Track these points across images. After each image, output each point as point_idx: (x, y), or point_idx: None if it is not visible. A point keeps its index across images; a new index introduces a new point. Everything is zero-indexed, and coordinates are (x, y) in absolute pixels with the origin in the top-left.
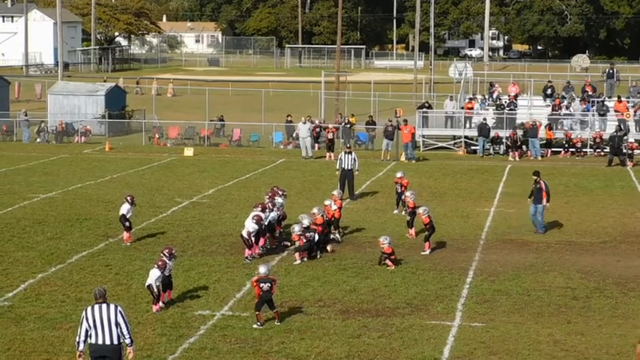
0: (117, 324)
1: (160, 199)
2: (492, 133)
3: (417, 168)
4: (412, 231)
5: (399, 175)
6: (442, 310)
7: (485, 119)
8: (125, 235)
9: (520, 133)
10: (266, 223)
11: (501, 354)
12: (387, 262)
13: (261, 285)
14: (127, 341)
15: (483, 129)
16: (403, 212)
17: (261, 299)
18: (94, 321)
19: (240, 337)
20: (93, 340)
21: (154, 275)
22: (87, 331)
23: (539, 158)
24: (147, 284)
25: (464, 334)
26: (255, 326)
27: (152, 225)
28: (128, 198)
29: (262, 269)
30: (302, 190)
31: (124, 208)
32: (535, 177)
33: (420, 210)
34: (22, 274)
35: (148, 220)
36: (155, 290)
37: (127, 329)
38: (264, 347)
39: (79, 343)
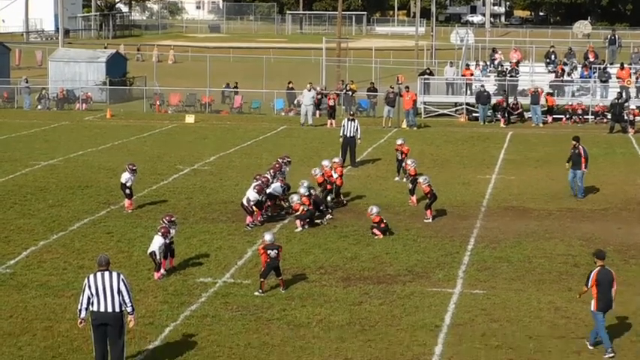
0: (119, 291)
1: (161, 166)
2: (494, 100)
3: (419, 135)
4: (414, 198)
5: (399, 142)
6: (443, 278)
7: (483, 86)
8: (126, 202)
9: (511, 99)
10: (268, 191)
11: (502, 321)
12: (375, 231)
13: (269, 252)
14: (129, 309)
15: (481, 96)
16: (404, 179)
17: (268, 266)
18: (97, 288)
19: (242, 304)
20: (95, 308)
21: (157, 242)
22: (89, 298)
23: (541, 125)
24: (149, 251)
25: (465, 302)
26: (256, 293)
27: (153, 192)
28: (129, 166)
29: (268, 237)
30: (303, 157)
31: (124, 177)
32: (574, 142)
33: (421, 179)
34: (23, 241)
35: (149, 187)
36: (157, 258)
37: (129, 297)
38: (266, 314)
39: (80, 310)
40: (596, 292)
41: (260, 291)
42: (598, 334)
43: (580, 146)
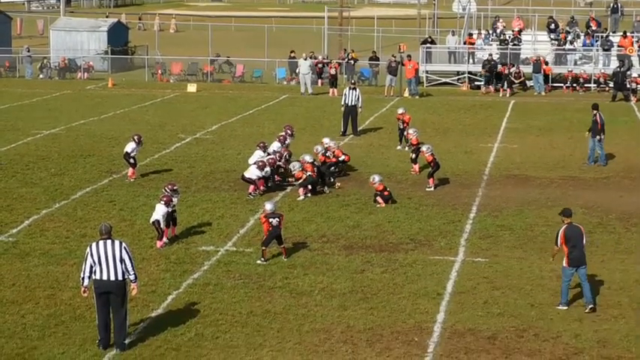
0: (121, 260)
1: (163, 135)
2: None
3: (421, 104)
4: (416, 167)
5: (400, 111)
6: (445, 246)
7: (490, 55)
8: (130, 171)
9: (514, 68)
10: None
11: (504, 289)
12: (378, 199)
13: (271, 220)
14: (131, 277)
15: (486, 65)
16: (406, 148)
17: (270, 235)
18: (99, 257)
19: (244, 272)
20: (97, 276)
21: (160, 211)
22: (91, 266)
23: (543, 94)
24: (152, 220)
25: (467, 270)
26: (259, 262)
27: (156, 161)
28: (135, 137)
29: (269, 206)
30: (305, 126)
31: (130, 147)
32: (594, 110)
33: (424, 148)
34: (26, 210)
35: (151, 156)
36: (161, 226)
37: (132, 265)
38: (268, 283)
39: (83, 279)
40: (567, 249)
41: (262, 259)
42: (562, 288)
43: (598, 113)
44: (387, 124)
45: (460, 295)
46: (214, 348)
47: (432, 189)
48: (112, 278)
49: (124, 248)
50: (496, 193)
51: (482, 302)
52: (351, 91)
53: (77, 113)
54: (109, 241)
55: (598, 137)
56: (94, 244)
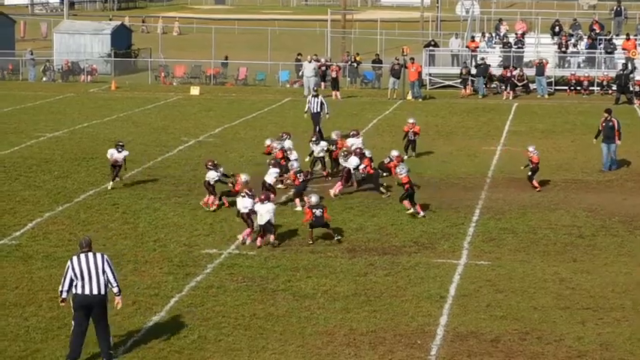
0: (103, 272)
1: (166, 138)
2: (500, 71)
3: (424, 107)
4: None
5: (411, 120)
6: (448, 249)
7: (483, 59)
8: (209, 198)
9: (517, 71)
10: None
11: (507, 292)
12: (405, 203)
13: (314, 211)
14: (115, 290)
15: (479, 69)
16: (413, 156)
17: (311, 224)
18: (81, 270)
19: (247, 275)
20: (79, 291)
21: (266, 209)
22: (72, 280)
23: (546, 96)
24: (239, 213)
25: (470, 272)
26: (310, 243)
27: (158, 164)
28: (209, 164)
29: (314, 198)
30: (307, 129)
31: (210, 175)
32: (606, 115)
33: (398, 169)
34: (29, 212)
35: (154, 159)
36: (249, 220)
37: (114, 277)
38: (271, 285)
39: (62, 292)
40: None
41: (310, 241)
42: None
43: (613, 119)
44: (390, 127)
45: (463, 298)
46: (217, 351)
47: (421, 213)
48: (95, 292)
49: (107, 260)
50: (499, 196)
51: (485, 305)
52: (313, 98)
53: (80, 116)
54: (90, 254)
55: (616, 143)
56: (74, 258)
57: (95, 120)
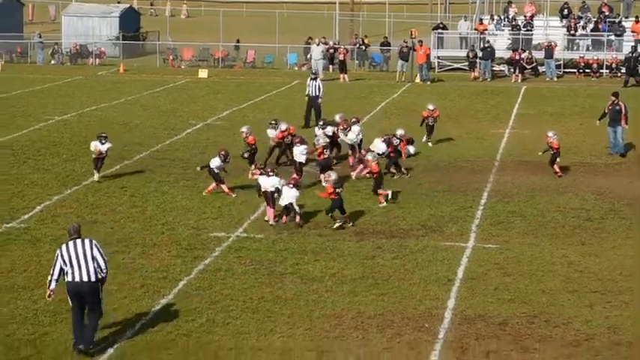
0: (93, 258)
1: (174, 121)
2: (509, 54)
3: (432, 89)
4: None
5: (430, 107)
6: (456, 232)
7: (488, 41)
8: (211, 185)
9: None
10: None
11: (515, 275)
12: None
13: (337, 190)
14: (105, 276)
15: (485, 52)
16: (429, 144)
17: (335, 204)
18: (70, 258)
19: (255, 258)
20: (69, 278)
21: (290, 195)
22: (62, 269)
23: (555, 79)
24: (286, 204)
25: (478, 256)
26: (336, 226)
27: (167, 147)
28: (222, 153)
29: (334, 175)
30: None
31: (215, 162)
32: (613, 98)
33: (369, 156)
34: (37, 196)
35: (162, 142)
36: (297, 208)
37: (105, 263)
38: (279, 268)
39: (50, 281)
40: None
41: (338, 222)
42: None
43: (620, 102)
44: (398, 110)
45: (471, 282)
46: (225, 334)
47: (384, 204)
48: (85, 279)
49: (95, 245)
50: (507, 179)
51: (492, 288)
52: (312, 81)
53: (89, 99)
54: (78, 241)
55: (622, 125)
56: (63, 246)
57: (104, 103)
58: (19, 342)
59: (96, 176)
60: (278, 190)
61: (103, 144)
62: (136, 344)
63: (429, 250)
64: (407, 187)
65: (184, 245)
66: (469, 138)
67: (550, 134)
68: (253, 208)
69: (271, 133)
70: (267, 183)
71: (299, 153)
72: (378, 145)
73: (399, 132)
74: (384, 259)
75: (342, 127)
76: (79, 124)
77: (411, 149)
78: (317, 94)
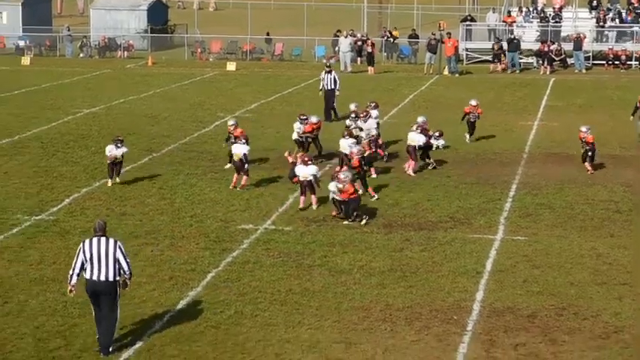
0: (115, 259)
1: (202, 113)
2: (537, 46)
3: (460, 82)
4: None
5: (473, 103)
6: (485, 224)
7: (512, 33)
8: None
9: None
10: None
11: (544, 267)
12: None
13: (357, 189)
14: (127, 275)
15: (511, 43)
16: (467, 141)
17: (355, 203)
18: (91, 255)
19: (283, 250)
20: (88, 275)
21: (310, 171)
22: (82, 264)
23: (584, 71)
24: (297, 180)
25: (506, 248)
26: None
27: (195, 139)
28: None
29: (350, 175)
30: (340, 104)
31: (240, 148)
32: None
33: (354, 149)
34: (66, 188)
35: (190, 134)
36: (311, 187)
37: (127, 265)
38: (307, 261)
39: (72, 275)
40: None
41: (365, 217)
42: None
43: None
44: (426, 103)
45: (499, 274)
46: (253, 326)
47: (375, 197)
48: (103, 278)
49: (120, 247)
50: (536, 172)
51: (521, 281)
52: (327, 74)
53: (117, 92)
54: (103, 239)
55: None
56: (87, 241)
57: (132, 96)
58: (49, 334)
59: (109, 182)
60: (315, 179)
61: (118, 148)
62: (164, 336)
63: (458, 243)
64: (435, 180)
65: (212, 237)
66: (497, 130)
67: (583, 129)
68: (281, 201)
69: (298, 126)
70: (308, 171)
71: (349, 147)
72: (415, 137)
73: (420, 119)
74: (413, 252)
75: (362, 115)
76: (107, 116)
77: (440, 142)
78: (333, 87)
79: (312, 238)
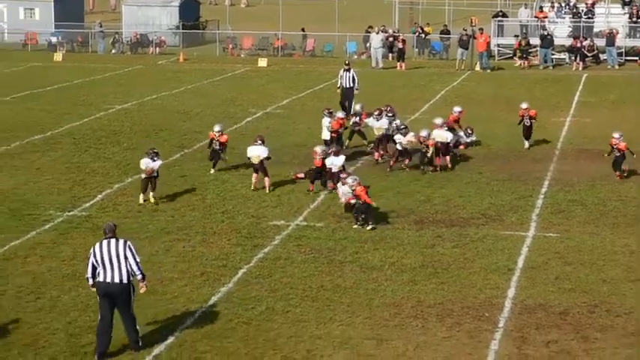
0: (125, 258)
1: (234, 109)
2: (570, 42)
3: (492, 77)
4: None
5: (524, 106)
6: (516, 221)
7: (545, 29)
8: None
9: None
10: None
11: (576, 264)
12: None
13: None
14: (139, 277)
15: (545, 39)
16: (526, 145)
17: (366, 206)
18: (102, 257)
19: (315, 247)
20: (101, 278)
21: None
22: (94, 267)
23: (616, 67)
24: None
25: (538, 245)
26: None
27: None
28: (258, 139)
29: (357, 178)
30: (375, 101)
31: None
32: None
33: (318, 149)
34: (98, 184)
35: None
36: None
37: (137, 264)
38: (338, 257)
39: (88, 279)
40: None
41: (371, 224)
42: None
43: None
44: (458, 98)
45: (531, 271)
46: (285, 322)
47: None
48: (117, 280)
49: (129, 247)
50: (568, 168)
51: (553, 278)
52: (345, 72)
53: (149, 88)
54: (112, 240)
55: None
56: (97, 245)
57: (164, 92)
58: (81, 329)
59: (141, 199)
60: (344, 168)
61: (154, 161)
62: (195, 332)
63: (489, 239)
64: (467, 176)
65: (244, 233)
66: None
67: (616, 135)
68: (312, 197)
69: (327, 122)
70: (337, 162)
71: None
72: (443, 134)
73: (438, 121)
74: (444, 248)
75: (375, 114)
76: (139, 112)
77: (472, 139)
78: (351, 85)
79: (344, 235)
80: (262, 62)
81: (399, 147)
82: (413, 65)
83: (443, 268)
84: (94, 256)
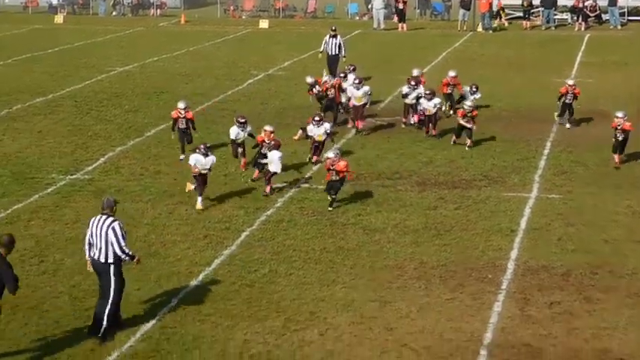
0: (106, 239)
1: (235, 71)
2: (572, 2)
3: (495, 38)
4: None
5: (570, 82)
6: (519, 182)
7: None
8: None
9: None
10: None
11: (579, 225)
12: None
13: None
14: (127, 259)
15: (547, 0)
16: (567, 126)
17: (341, 183)
18: (92, 233)
19: (317, 209)
20: (91, 253)
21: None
22: (89, 240)
23: (619, 27)
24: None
25: (541, 206)
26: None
27: (229, 97)
28: (239, 119)
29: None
30: (377, 63)
31: (233, 132)
32: None
33: (268, 127)
34: (101, 147)
35: (224, 92)
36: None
37: (120, 248)
38: (341, 219)
39: (85, 250)
40: None
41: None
42: None
43: None
44: (459, 60)
45: (534, 232)
46: (288, 284)
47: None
48: (97, 258)
49: (112, 228)
50: (571, 129)
51: (556, 239)
52: (331, 38)
53: (150, 50)
54: (103, 217)
55: None
56: (93, 218)
57: (165, 54)
58: (85, 292)
59: (199, 204)
60: (328, 134)
61: (207, 156)
62: (199, 294)
63: (492, 201)
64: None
65: (247, 196)
66: (532, 87)
67: (619, 115)
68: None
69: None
70: (318, 131)
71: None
72: (429, 105)
73: (451, 73)
74: (447, 210)
75: (356, 82)
76: (140, 75)
77: (477, 96)
78: (336, 52)
79: (346, 197)
80: (264, 24)
81: (426, 112)
82: (414, 26)
83: (445, 230)
84: (89, 228)
